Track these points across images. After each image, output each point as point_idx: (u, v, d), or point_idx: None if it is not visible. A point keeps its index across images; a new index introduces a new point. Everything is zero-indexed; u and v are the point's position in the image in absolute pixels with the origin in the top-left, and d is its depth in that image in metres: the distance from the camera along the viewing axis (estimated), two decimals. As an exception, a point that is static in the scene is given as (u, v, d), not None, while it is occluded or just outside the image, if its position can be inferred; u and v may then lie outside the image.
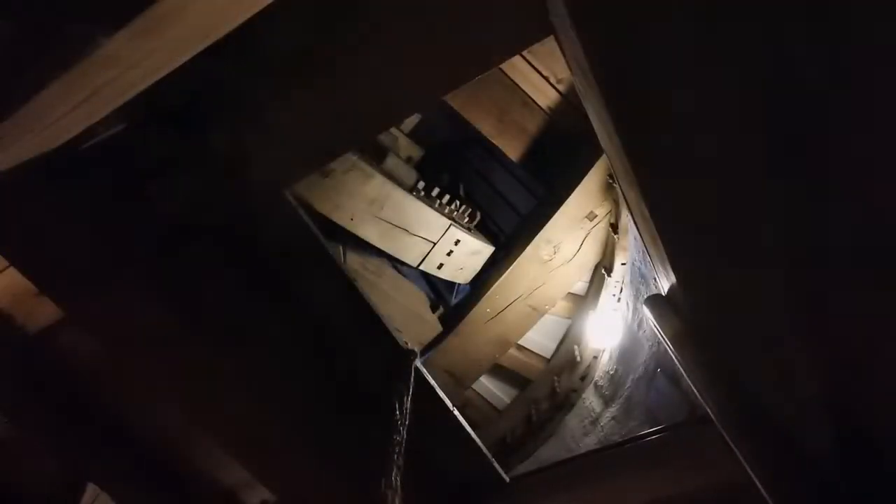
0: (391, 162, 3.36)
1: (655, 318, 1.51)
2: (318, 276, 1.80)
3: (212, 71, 1.46)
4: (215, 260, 1.67)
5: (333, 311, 1.83)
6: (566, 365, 3.66)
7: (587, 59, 1.08)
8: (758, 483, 1.12)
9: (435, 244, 3.42)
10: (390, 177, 3.24)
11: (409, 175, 3.45)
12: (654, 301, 1.55)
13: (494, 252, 3.70)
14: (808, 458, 1.21)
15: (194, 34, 0.87)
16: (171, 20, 0.74)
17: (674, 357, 1.42)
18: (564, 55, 1.37)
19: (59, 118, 0.88)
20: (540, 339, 3.84)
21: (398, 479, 1.44)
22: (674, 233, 1.24)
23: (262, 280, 1.76)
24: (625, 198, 1.53)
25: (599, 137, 1.48)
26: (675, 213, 1.20)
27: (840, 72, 1.03)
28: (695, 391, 1.38)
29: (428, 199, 3.41)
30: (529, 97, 3.39)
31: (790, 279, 1.22)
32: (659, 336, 1.54)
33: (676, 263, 1.28)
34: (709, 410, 1.31)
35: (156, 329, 1.60)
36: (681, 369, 1.43)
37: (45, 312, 1.73)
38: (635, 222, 1.55)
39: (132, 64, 0.82)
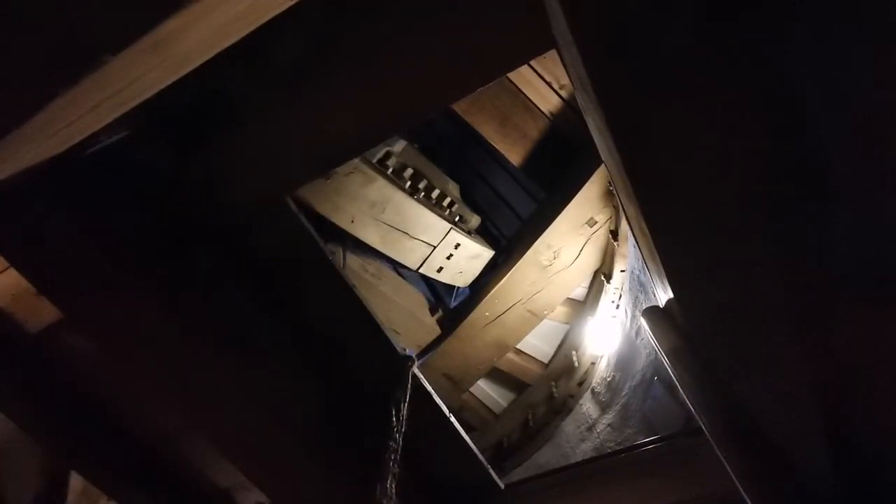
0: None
1: (652, 330, 1.52)
2: (318, 280, 1.81)
3: (216, 79, 1.47)
4: (215, 263, 1.68)
5: (332, 315, 1.84)
6: (564, 370, 3.67)
7: (588, 75, 1.09)
8: (747, 499, 1.13)
9: (435, 247, 3.43)
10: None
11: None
12: (652, 313, 1.55)
13: (494, 256, 3.70)
14: (804, 474, 1.21)
15: (200, 48, 0.88)
16: (177, 37, 0.75)
17: (670, 370, 1.43)
18: (566, 68, 1.38)
19: (62, 128, 0.89)
20: (538, 343, 3.86)
21: (393, 484, 1.44)
22: (671, 249, 1.24)
23: (262, 283, 1.77)
24: (624, 210, 1.53)
25: (600, 151, 1.48)
26: (673, 229, 1.21)
27: (842, 86, 1.03)
28: (689, 404, 1.39)
29: (428, 202, 3.42)
30: (532, 102, 3.40)
31: (789, 296, 1.22)
32: (655, 348, 1.55)
33: (673, 279, 1.28)
34: (702, 424, 1.31)
35: (155, 332, 1.60)
36: (676, 382, 1.44)
37: (45, 312, 1.73)
38: (634, 234, 1.56)
39: (137, 77, 0.83)
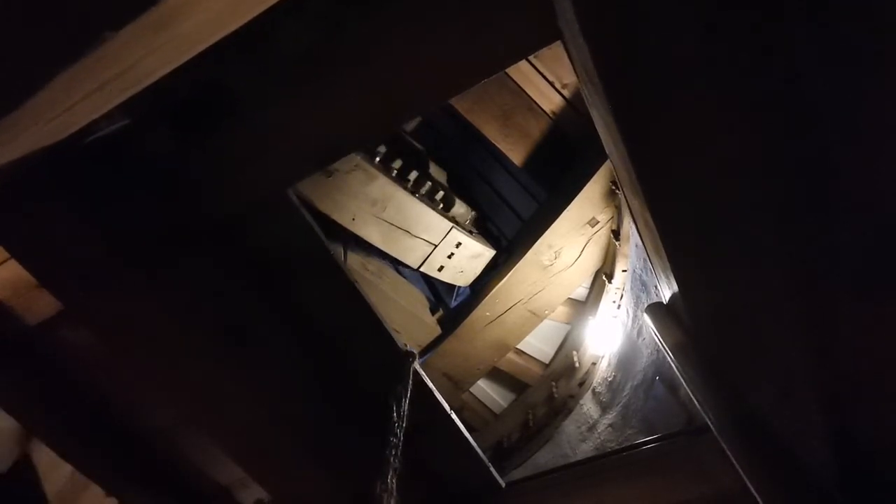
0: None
1: (656, 327, 1.51)
2: (320, 276, 1.79)
3: (218, 69, 1.46)
4: (215, 257, 1.66)
5: (333, 311, 1.82)
6: (564, 371, 3.66)
7: (595, 66, 1.08)
8: (756, 494, 1.11)
9: (436, 246, 3.42)
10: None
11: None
12: (656, 309, 1.55)
13: (495, 256, 3.69)
14: (807, 470, 1.20)
15: (203, 31, 0.87)
16: (181, 16, 0.74)
17: (674, 366, 1.42)
18: (572, 61, 1.37)
19: (63, 111, 0.87)
20: (538, 344, 3.84)
21: (394, 480, 1.43)
22: (677, 242, 1.23)
23: (262, 278, 1.75)
24: (628, 205, 1.53)
25: (605, 145, 1.47)
26: (678, 222, 1.20)
27: (846, 84, 1.03)
28: (694, 401, 1.38)
29: (430, 201, 3.41)
30: (534, 102, 3.39)
31: (793, 291, 1.22)
32: (659, 344, 1.54)
33: (678, 273, 1.27)
34: (708, 420, 1.30)
35: (154, 326, 1.59)
36: (680, 378, 1.43)
37: (44, 305, 1.72)
38: (638, 230, 1.55)
39: (139, 59, 0.81)
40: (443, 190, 3.55)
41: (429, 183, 3.43)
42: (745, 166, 1.14)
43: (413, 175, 3.35)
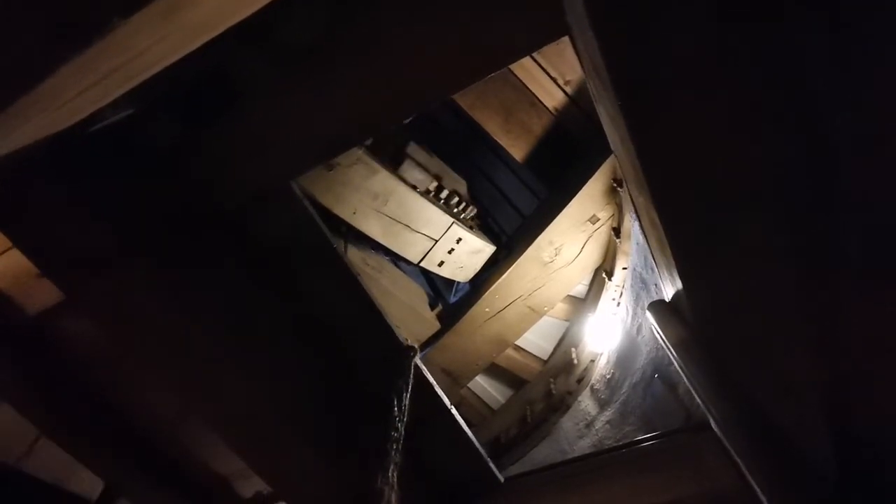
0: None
1: (658, 324, 1.51)
2: (321, 268, 1.79)
3: (224, 61, 1.45)
4: (218, 249, 1.66)
5: (335, 304, 1.82)
6: (563, 367, 3.66)
7: (603, 60, 1.07)
8: (758, 492, 1.12)
9: (437, 241, 3.42)
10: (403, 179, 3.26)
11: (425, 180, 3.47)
12: (658, 307, 1.54)
13: (496, 252, 3.69)
14: (810, 467, 1.21)
15: (210, 20, 0.86)
16: (189, 3, 0.73)
17: (676, 363, 1.42)
18: (579, 56, 1.37)
19: (70, 99, 0.87)
20: (537, 340, 3.84)
21: (395, 474, 1.43)
22: (681, 238, 1.23)
23: (265, 271, 1.75)
24: (633, 201, 1.52)
25: (610, 140, 1.47)
26: (684, 217, 1.20)
27: (846, 84, 1.03)
28: (696, 398, 1.38)
29: (431, 197, 3.40)
30: (537, 98, 3.38)
31: (797, 288, 1.22)
32: (661, 342, 1.54)
33: (683, 269, 1.27)
34: (710, 418, 1.30)
35: (156, 315, 1.59)
36: (682, 375, 1.43)
37: (45, 295, 1.71)
38: (642, 226, 1.55)
39: (146, 48, 0.81)
40: (462, 199, 3.54)
41: (435, 182, 3.41)
42: (751, 165, 1.14)
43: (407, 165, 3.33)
